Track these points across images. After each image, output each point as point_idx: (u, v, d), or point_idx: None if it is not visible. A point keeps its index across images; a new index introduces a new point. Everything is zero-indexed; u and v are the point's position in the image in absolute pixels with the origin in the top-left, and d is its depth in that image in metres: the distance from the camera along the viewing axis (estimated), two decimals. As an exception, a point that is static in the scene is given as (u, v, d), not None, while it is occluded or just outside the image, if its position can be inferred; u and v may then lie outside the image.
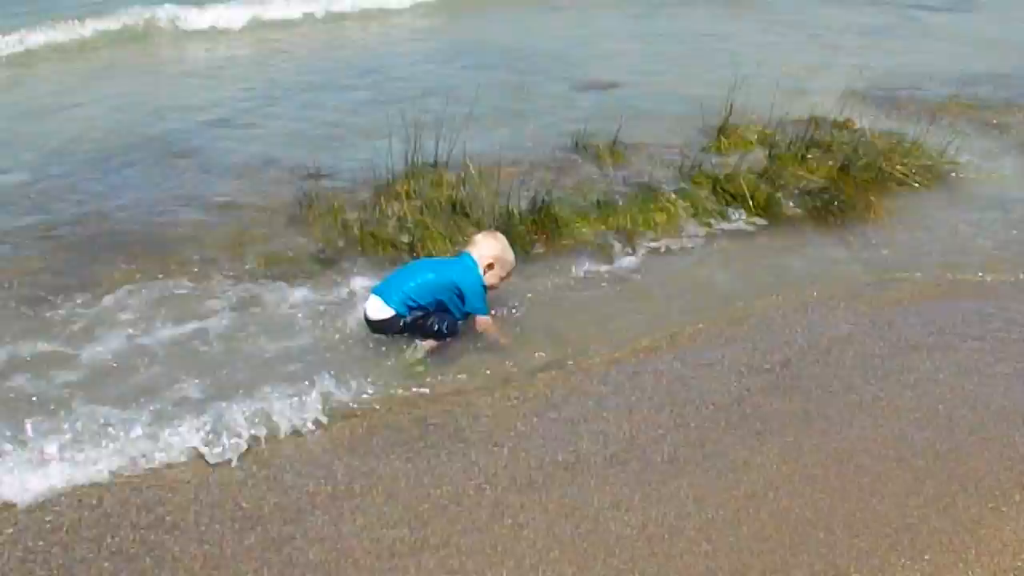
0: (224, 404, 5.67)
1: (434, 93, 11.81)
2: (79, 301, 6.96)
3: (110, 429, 5.41)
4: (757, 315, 6.99)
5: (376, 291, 6.45)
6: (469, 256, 6.52)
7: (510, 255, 6.62)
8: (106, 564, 4.56)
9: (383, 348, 6.41)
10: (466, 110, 10.06)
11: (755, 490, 5.15)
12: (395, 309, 6.30)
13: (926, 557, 4.70)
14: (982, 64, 14.29)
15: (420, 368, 6.25)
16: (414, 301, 6.32)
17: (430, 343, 6.38)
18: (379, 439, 5.54)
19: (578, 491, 5.12)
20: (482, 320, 6.50)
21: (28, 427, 5.35)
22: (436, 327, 6.35)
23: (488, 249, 6.53)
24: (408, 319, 6.31)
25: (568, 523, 4.88)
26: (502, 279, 6.60)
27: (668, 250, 8.00)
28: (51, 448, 5.22)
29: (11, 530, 4.76)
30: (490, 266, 6.49)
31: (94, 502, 4.96)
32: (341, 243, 7.81)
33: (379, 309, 6.33)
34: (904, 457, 5.45)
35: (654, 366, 6.34)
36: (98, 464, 5.19)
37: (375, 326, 6.39)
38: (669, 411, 5.85)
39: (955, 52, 15.20)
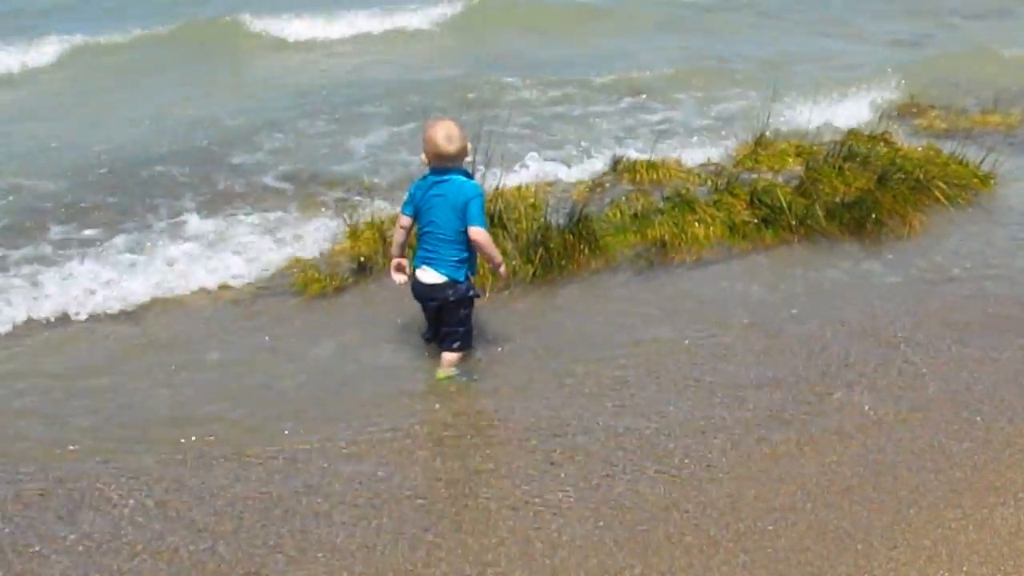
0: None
1: (470, 106, 11.87)
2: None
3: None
4: (793, 327, 7.01)
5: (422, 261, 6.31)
6: (451, 175, 6.21)
7: (432, 135, 6.11)
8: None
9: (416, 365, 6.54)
10: (500, 124, 10.13)
11: (793, 501, 5.17)
12: (446, 275, 6.20)
13: (964, 569, 4.71)
14: (1020, 76, 14.19)
15: (449, 382, 6.33)
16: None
17: (452, 357, 6.40)
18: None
19: (616, 500, 5.18)
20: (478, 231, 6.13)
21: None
22: (457, 336, 6.36)
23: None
24: (462, 287, 6.22)
25: (606, 533, 4.93)
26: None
27: (705, 263, 8.02)
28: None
29: None
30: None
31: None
32: (381, 256, 7.89)
33: (432, 275, 6.24)
34: (942, 468, 5.45)
35: (689, 378, 6.38)
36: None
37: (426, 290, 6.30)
38: (704, 423, 5.89)
39: (993, 63, 15.09)
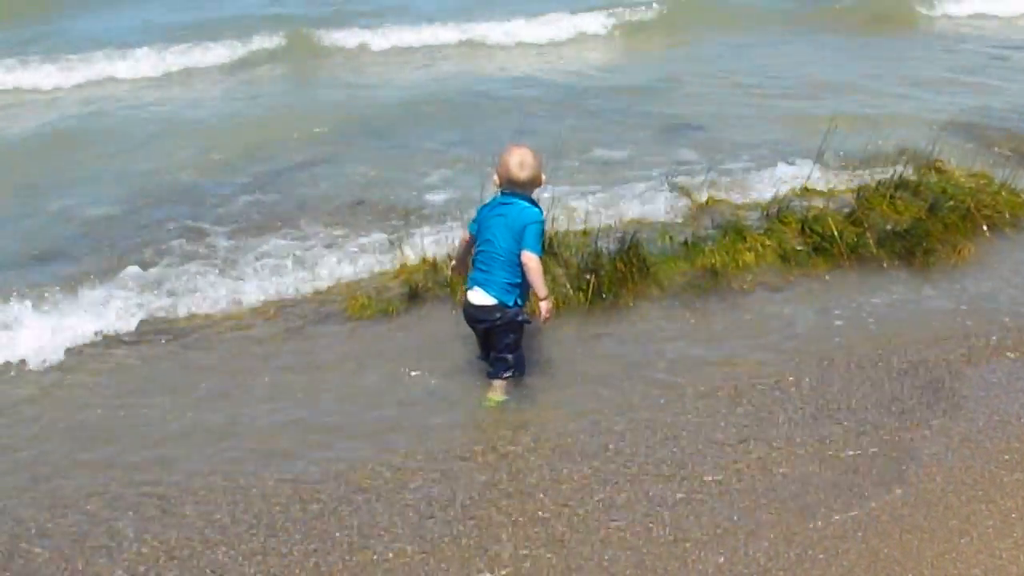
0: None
1: (523, 132, 11.92)
2: (163, 341, 7.29)
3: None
4: (843, 357, 7.01)
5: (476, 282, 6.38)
6: (516, 200, 6.32)
7: (506, 159, 6.28)
8: None
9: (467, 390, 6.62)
10: (552, 150, 10.17)
11: (844, 530, 5.19)
12: (496, 297, 6.27)
13: (1015, 599, 4.73)
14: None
15: (499, 407, 6.40)
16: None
17: (503, 383, 6.46)
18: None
19: (665, 529, 5.22)
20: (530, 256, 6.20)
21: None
22: (507, 364, 6.43)
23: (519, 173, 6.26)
24: (511, 311, 6.29)
25: (657, 561, 4.98)
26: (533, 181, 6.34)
27: (756, 291, 8.05)
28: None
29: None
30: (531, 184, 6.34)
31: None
32: (430, 283, 7.98)
33: (482, 296, 6.31)
34: (993, 499, 5.45)
35: (740, 406, 6.41)
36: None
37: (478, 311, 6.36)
38: (755, 451, 5.92)
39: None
